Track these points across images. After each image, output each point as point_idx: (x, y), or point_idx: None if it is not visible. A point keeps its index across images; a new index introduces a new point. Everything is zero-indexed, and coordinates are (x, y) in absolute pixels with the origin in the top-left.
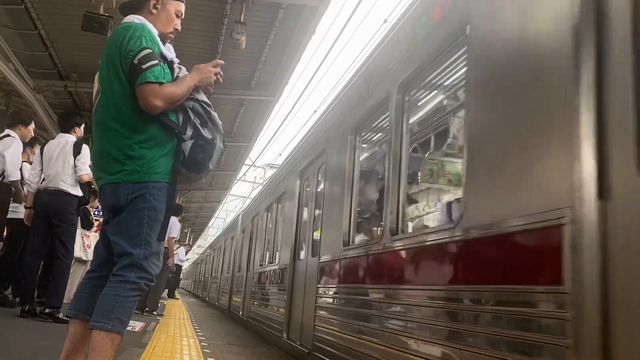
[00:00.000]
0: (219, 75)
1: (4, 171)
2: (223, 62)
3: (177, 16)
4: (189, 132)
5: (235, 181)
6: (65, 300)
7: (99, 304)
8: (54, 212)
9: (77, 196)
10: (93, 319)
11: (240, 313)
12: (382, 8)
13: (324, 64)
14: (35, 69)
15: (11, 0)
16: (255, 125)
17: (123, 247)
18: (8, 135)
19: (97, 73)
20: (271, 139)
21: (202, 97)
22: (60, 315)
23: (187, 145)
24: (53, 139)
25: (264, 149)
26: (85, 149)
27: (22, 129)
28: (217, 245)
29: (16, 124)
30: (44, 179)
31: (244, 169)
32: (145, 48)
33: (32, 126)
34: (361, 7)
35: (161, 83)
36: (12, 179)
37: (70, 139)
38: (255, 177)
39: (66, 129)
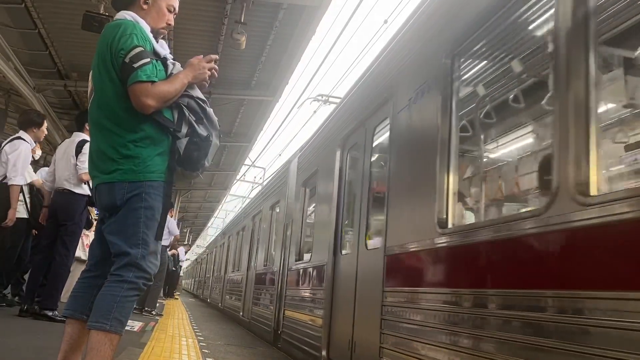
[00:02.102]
0: (213, 70)
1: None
2: (217, 57)
3: (170, 11)
4: (184, 129)
5: (235, 181)
6: (64, 300)
7: (97, 304)
8: (60, 212)
9: (83, 195)
10: (91, 319)
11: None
12: (382, 9)
13: (324, 65)
14: (35, 68)
15: None
16: (255, 125)
17: (120, 246)
18: (19, 138)
19: (91, 72)
20: (271, 139)
21: (197, 93)
22: (51, 314)
23: (182, 143)
24: (55, 138)
25: (263, 149)
26: (87, 148)
27: (35, 131)
28: (233, 231)
29: (29, 126)
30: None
31: (243, 168)
32: (136, 46)
33: (45, 126)
34: (361, 8)
35: (153, 82)
36: (10, 182)
37: (79, 137)
38: (255, 177)
39: (79, 127)
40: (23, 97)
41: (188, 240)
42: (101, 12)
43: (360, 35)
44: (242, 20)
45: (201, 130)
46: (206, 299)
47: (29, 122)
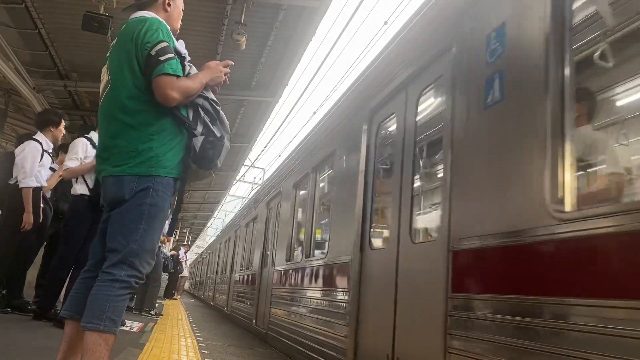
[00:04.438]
0: (226, 76)
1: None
2: (232, 63)
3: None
4: (200, 128)
5: (235, 182)
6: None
7: (90, 304)
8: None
9: (84, 195)
10: (84, 319)
11: None
12: (382, 10)
13: (324, 66)
14: (35, 68)
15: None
16: (255, 126)
17: (117, 240)
18: (29, 138)
19: (105, 65)
20: (270, 139)
21: (211, 95)
22: (49, 315)
23: (199, 140)
24: None
25: (263, 150)
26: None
27: (52, 130)
28: (282, 185)
29: (45, 125)
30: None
31: (243, 169)
32: (162, 41)
33: (63, 125)
34: (361, 9)
35: (178, 76)
36: (21, 185)
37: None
38: (255, 178)
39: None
40: (23, 97)
41: (188, 241)
42: (101, 12)
43: (360, 37)
44: (242, 21)
45: (216, 131)
46: (222, 307)
47: (46, 121)
